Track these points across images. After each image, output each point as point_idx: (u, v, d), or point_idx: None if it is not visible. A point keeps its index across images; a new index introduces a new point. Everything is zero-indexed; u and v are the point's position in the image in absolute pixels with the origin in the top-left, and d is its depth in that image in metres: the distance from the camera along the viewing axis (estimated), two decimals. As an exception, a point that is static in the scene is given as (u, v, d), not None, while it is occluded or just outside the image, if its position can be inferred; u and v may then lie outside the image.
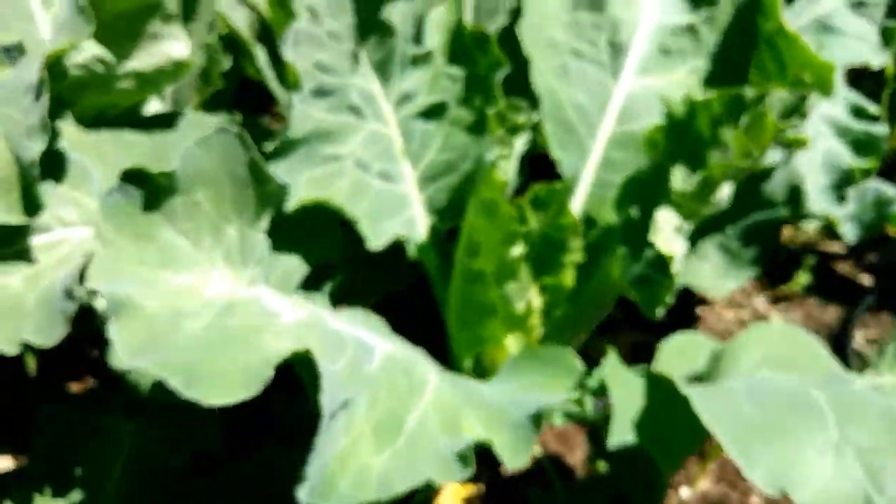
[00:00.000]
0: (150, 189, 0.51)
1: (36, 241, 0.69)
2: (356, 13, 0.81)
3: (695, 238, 1.01)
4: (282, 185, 0.62)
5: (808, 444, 0.51)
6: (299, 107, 0.77)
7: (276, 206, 0.61)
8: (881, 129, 1.02)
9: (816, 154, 0.98)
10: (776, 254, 1.26)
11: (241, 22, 1.20)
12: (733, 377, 0.72)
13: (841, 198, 0.96)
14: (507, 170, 0.79)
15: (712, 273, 1.00)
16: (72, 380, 1.20)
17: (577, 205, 0.97)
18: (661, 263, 0.69)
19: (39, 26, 1.10)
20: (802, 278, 1.26)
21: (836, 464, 0.50)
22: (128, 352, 0.48)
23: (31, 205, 0.62)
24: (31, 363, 1.14)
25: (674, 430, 0.56)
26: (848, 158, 0.98)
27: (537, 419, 0.57)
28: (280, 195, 0.62)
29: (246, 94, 1.51)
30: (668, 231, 0.69)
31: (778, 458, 0.49)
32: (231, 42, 1.23)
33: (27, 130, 0.61)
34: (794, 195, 0.95)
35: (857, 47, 1.26)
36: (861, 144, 1.02)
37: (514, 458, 0.55)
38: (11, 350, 0.67)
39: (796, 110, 0.69)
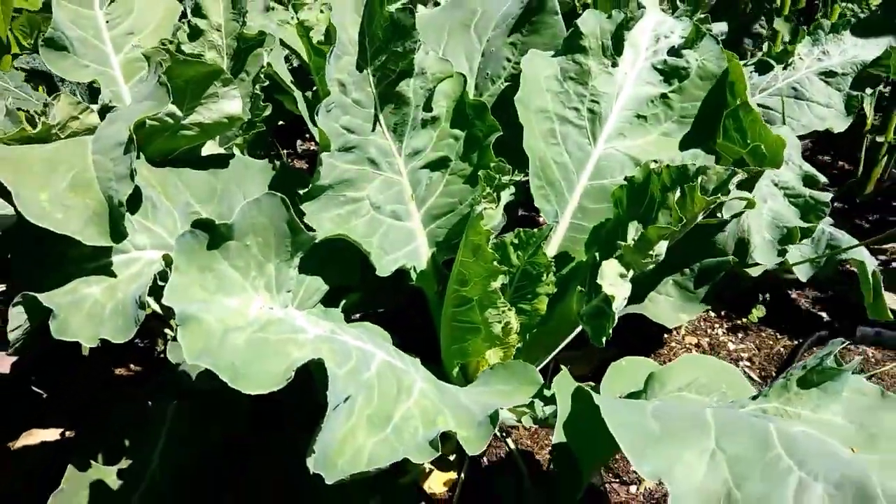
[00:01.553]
0: (213, 234, 0.70)
1: (115, 260, 0.89)
2: (377, 86, 0.99)
3: (657, 277, 1.18)
4: (311, 235, 0.79)
5: (690, 450, 0.67)
6: (327, 160, 0.95)
7: (305, 250, 0.79)
8: (826, 196, 1.18)
9: (765, 213, 1.14)
10: (737, 287, 1.42)
11: (283, 68, 1.39)
12: (660, 396, 0.90)
13: (782, 253, 1.12)
14: (495, 216, 0.96)
15: (670, 307, 1.17)
16: (116, 365, 1.41)
17: (555, 244, 1.14)
18: (607, 303, 0.86)
19: (118, 80, 1.31)
20: (759, 311, 1.41)
21: (709, 466, 0.67)
22: (190, 354, 0.66)
23: (117, 233, 0.81)
24: (84, 348, 1.32)
25: (591, 433, 0.73)
26: (793, 220, 1.14)
27: (494, 419, 0.75)
28: (309, 242, 0.80)
29: (281, 113, 1.71)
30: (613, 277, 0.86)
31: (663, 458, 0.66)
32: (273, 83, 1.43)
33: (116, 177, 0.80)
34: (742, 247, 1.11)
35: (823, 113, 1.42)
36: (808, 208, 1.17)
37: (473, 447, 0.73)
38: (92, 344, 0.86)
39: (725, 186, 0.86)
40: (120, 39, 1.39)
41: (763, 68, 1.53)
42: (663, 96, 1.15)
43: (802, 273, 1.33)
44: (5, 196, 0.81)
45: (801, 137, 1.49)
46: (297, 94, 1.41)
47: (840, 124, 1.44)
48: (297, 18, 1.53)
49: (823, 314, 1.48)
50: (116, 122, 0.85)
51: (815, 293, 1.53)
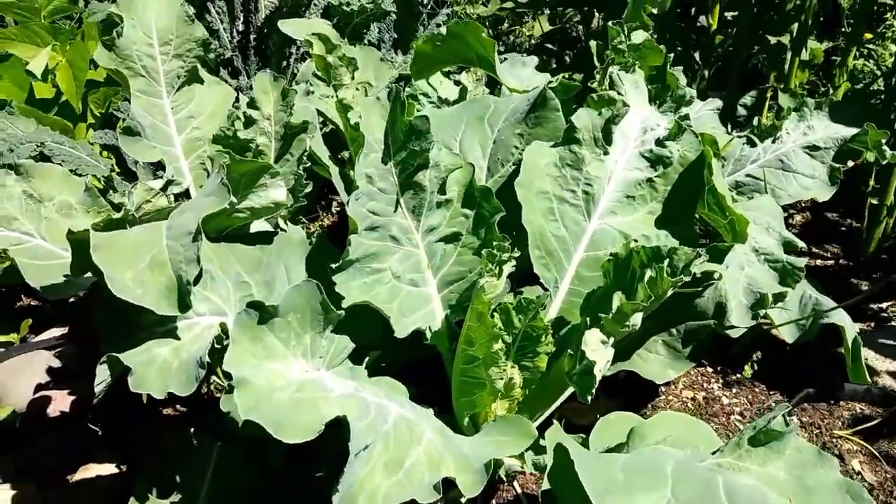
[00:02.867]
0: (262, 312, 0.88)
1: (179, 325, 1.07)
2: (398, 176, 1.18)
3: (645, 337, 1.32)
4: (339, 312, 0.97)
5: (648, 497, 0.81)
6: (355, 240, 1.14)
7: (336, 323, 0.97)
8: (801, 262, 1.31)
9: (742, 279, 1.28)
10: (732, 344, 1.54)
11: (322, 147, 1.59)
12: (640, 448, 1.03)
13: (755, 317, 1.25)
14: (498, 287, 1.12)
15: (659, 364, 1.30)
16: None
17: (555, 307, 1.30)
18: (590, 366, 1.01)
19: (180, 157, 1.53)
20: (752, 368, 1.53)
21: (663, 511, 0.80)
22: (243, 410, 0.83)
23: (184, 305, 0.99)
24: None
25: (571, 482, 0.87)
26: (768, 285, 1.27)
27: (488, 467, 0.90)
28: (337, 318, 0.97)
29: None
30: (595, 344, 1.01)
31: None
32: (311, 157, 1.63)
33: (186, 260, 0.99)
34: (720, 310, 1.25)
35: (808, 184, 1.56)
36: (785, 272, 1.30)
37: (470, 490, 0.88)
38: (160, 396, 1.04)
39: (689, 267, 1.00)
40: (182, 122, 1.61)
41: (752, 142, 1.68)
42: (649, 180, 1.31)
43: (789, 334, 1.46)
44: (96, 273, 1.01)
45: (787, 206, 1.62)
46: (333, 169, 1.61)
47: (824, 194, 1.57)
48: (337, 97, 1.75)
49: (815, 370, 1.58)
50: (186, 213, 1.04)
51: (806, 351, 1.63)
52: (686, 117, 1.32)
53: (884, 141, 1.53)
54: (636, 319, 1.02)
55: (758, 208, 1.39)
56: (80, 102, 2.18)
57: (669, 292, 1.04)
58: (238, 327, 0.87)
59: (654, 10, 1.69)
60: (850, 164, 1.58)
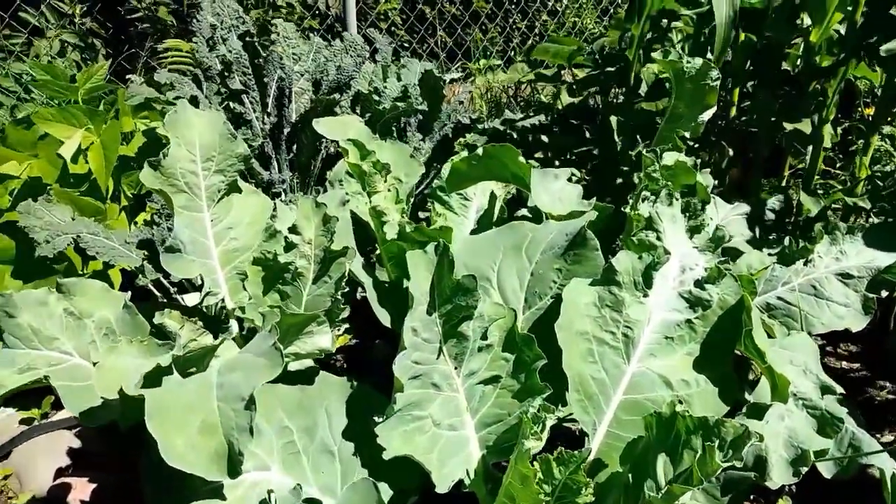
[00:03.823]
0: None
1: (225, 483, 1.07)
2: (442, 326, 1.19)
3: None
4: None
5: None
6: (401, 395, 1.14)
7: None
8: (841, 410, 1.30)
9: (782, 430, 1.27)
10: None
11: (358, 266, 1.61)
12: None
13: (797, 473, 1.24)
14: (540, 447, 1.12)
15: (698, 512, 1.29)
16: None
17: (592, 451, 1.29)
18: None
19: (217, 269, 1.55)
20: (785, 501, 1.51)
21: None
22: None
23: (234, 472, 1.00)
24: None
25: None
26: (809, 437, 1.26)
27: None
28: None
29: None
30: (643, 519, 1.01)
31: None
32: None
33: (238, 427, 1.00)
34: (760, 465, 1.24)
35: (841, 312, 1.56)
36: (825, 421, 1.30)
37: None
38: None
39: (739, 448, 1.00)
40: (221, 233, 1.63)
41: (785, 260, 1.68)
42: (688, 321, 1.32)
43: (826, 470, 1.44)
44: (148, 436, 1.02)
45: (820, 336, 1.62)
46: (367, 281, 1.63)
47: (858, 324, 1.57)
48: (370, 202, 1.77)
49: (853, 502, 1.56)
50: (237, 372, 1.05)
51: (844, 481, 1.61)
52: (725, 261, 1.33)
53: (918, 274, 1.53)
54: (685, 498, 1.01)
55: (794, 347, 1.39)
56: (109, 181, 2.22)
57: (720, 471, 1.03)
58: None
59: (687, 134, 1.71)
60: (885, 294, 1.59)
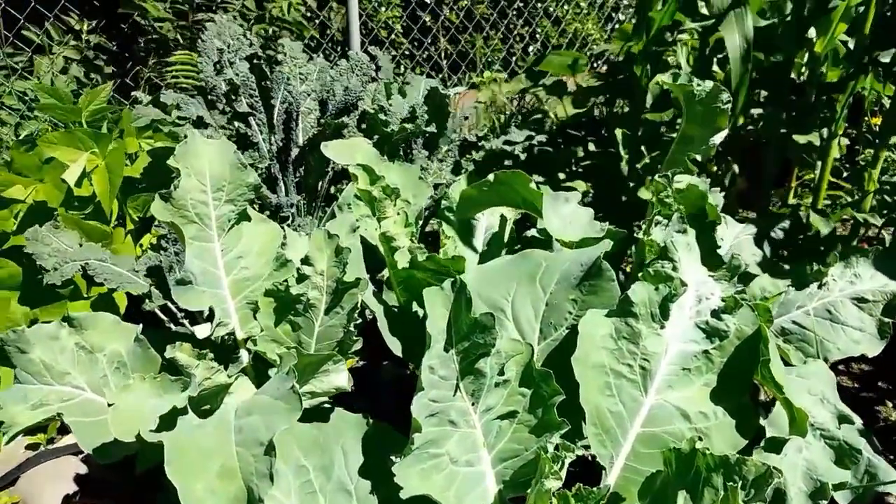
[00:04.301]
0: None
1: (240, 523, 1.06)
2: (459, 363, 1.18)
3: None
4: None
5: None
6: (418, 436, 1.13)
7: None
8: (860, 441, 1.29)
9: (800, 463, 1.26)
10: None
11: (372, 299, 1.59)
12: None
13: (816, 506, 1.23)
14: (559, 486, 1.11)
15: (717, 545, 1.28)
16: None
17: (610, 485, 1.28)
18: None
19: (227, 298, 1.54)
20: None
21: None
22: None
23: (256, 517, 0.99)
24: None
25: None
26: (827, 469, 1.25)
27: None
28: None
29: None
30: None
31: None
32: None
33: (258, 473, 0.99)
34: (779, 498, 1.23)
35: (857, 337, 1.55)
36: (843, 452, 1.29)
37: None
38: None
39: (762, 489, 0.99)
40: (231, 263, 1.62)
41: (799, 284, 1.68)
42: (705, 352, 1.31)
43: (843, 499, 1.43)
44: (167, 480, 1.01)
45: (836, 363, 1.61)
46: (378, 309, 1.62)
47: (874, 349, 1.56)
48: (380, 227, 1.76)
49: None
50: (254, 415, 1.05)
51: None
52: (742, 291, 1.32)
53: (933, 297, 1.52)
54: (706, 539, 1.01)
55: (810, 375, 1.39)
56: (114, 204, 2.21)
57: (740, 506, 1.02)
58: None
59: (698, 157, 1.71)
60: (900, 317, 1.57)
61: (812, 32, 2.41)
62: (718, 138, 1.69)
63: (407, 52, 5.16)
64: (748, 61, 1.91)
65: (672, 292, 1.27)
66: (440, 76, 5.00)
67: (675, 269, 1.31)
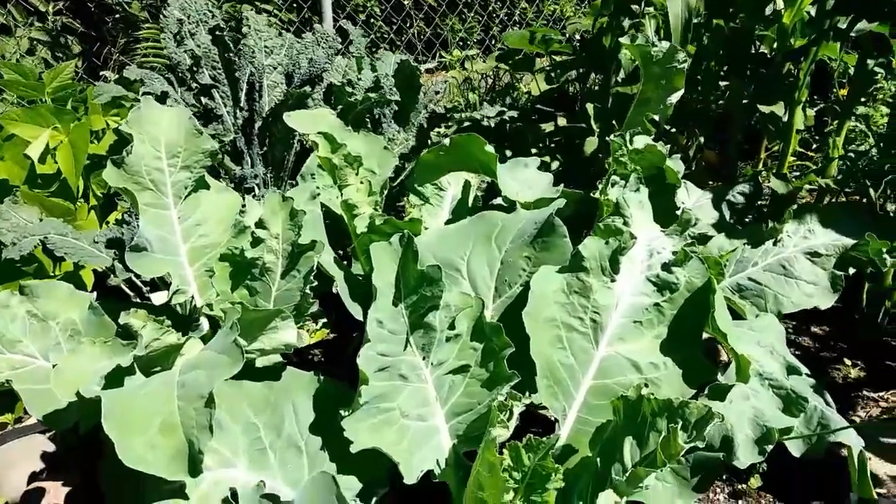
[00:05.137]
0: None
1: (187, 481, 1.06)
2: (409, 317, 1.18)
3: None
4: None
5: None
6: (365, 389, 1.13)
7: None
8: (806, 390, 1.31)
9: (747, 410, 1.28)
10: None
11: (329, 258, 1.59)
12: None
13: (762, 452, 1.25)
14: (507, 435, 1.12)
15: (668, 494, 1.29)
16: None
17: (563, 436, 1.29)
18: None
19: (185, 265, 1.53)
20: (756, 481, 1.53)
21: None
22: None
23: (195, 470, 0.98)
24: None
25: None
26: (774, 416, 1.27)
27: None
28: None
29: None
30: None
31: None
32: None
33: (198, 426, 0.99)
34: (727, 444, 1.25)
35: (810, 290, 1.57)
36: (790, 401, 1.31)
37: None
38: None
39: (702, 429, 1.00)
40: (189, 230, 1.61)
41: (754, 241, 1.69)
42: (656, 304, 1.32)
43: (795, 449, 1.45)
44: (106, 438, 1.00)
45: (788, 316, 1.63)
46: (338, 275, 1.61)
47: (826, 301, 1.58)
48: (342, 195, 1.76)
49: (823, 479, 1.57)
50: (199, 370, 1.04)
51: (814, 460, 1.62)
52: (692, 244, 1.33)
53: (885, 251, 1.54)
54: (650, 480, 1.02)
55: (761, 329, 1.40)
56: (79, 181, 2.19)
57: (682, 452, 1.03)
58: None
59: (656, 117, 1.71)
60: (852, 271, 1.59)
61: (780, 3, 2.41)
62: (675, 98, 1.69)
63: (384, 35, 5.13)
64: (689, 31, 1.92)
65: (622, 245, 1.28)
66: (414, 55, 4.98)
67: (625, 223, 1.32)
